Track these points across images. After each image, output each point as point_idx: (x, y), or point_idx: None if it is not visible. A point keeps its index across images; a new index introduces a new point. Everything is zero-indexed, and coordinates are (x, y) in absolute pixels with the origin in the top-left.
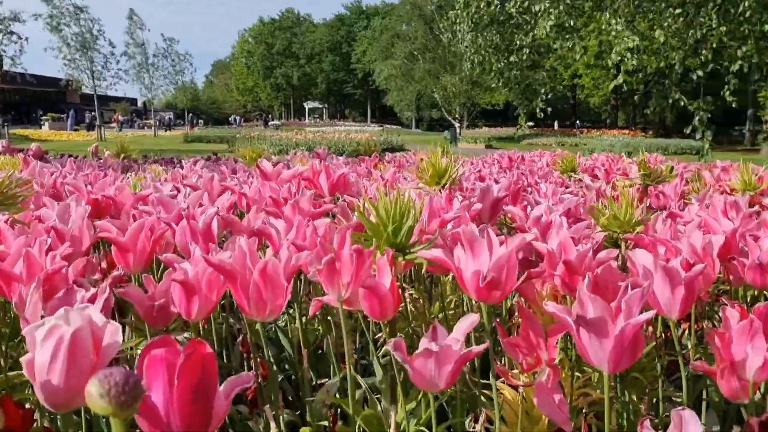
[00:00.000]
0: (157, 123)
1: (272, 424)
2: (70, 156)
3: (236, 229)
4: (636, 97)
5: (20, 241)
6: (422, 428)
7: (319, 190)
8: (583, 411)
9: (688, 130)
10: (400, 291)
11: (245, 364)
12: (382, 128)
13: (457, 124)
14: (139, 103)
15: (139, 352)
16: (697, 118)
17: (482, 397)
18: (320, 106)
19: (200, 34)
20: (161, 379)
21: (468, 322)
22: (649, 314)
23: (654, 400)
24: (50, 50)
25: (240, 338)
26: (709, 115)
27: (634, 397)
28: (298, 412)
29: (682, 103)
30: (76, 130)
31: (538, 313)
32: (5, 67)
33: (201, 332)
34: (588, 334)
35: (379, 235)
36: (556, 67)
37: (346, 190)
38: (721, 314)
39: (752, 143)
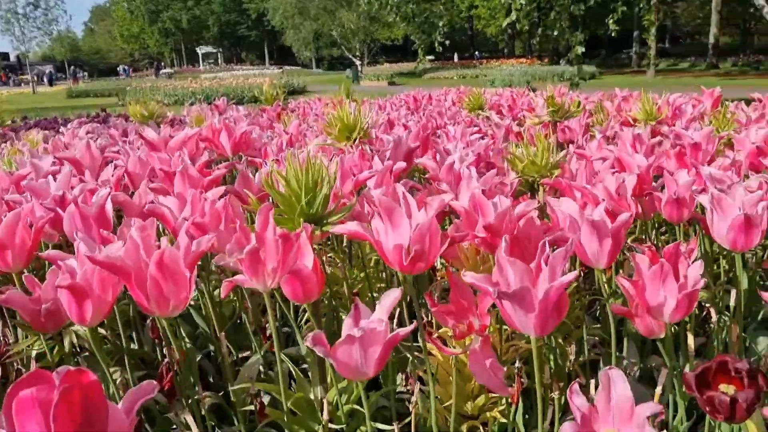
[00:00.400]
0: (36, 78)
1: (193, 427)
2: None
3: (128, 210)
4: (527, 28)
5: None
6: (355, 406)
7: (221, 150)
8: (515, 365)
9: (564, 62)
10: (323, 270)
11: (157, 348)
12: (282, 70)
13: (358, 62)
14: (12, 57)
15: (33, 353)
16: (571, 51)
17: (414, 360)
18: (214, 50)
19: None
20: (36, 423)
21: (391, 298)
22: (572, 275)
23: (578, 339)
24: None
25: (149, 322)
26: (583, 49)
27: (561, 341)
28: (221, 393)
29: (566, 36)
30: None
31: (462, 270)
32: None
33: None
34: (511, 304)
35: (293, 208)
36: None
37: (249, 147)
38: (631, 259)
39: (638, 65)
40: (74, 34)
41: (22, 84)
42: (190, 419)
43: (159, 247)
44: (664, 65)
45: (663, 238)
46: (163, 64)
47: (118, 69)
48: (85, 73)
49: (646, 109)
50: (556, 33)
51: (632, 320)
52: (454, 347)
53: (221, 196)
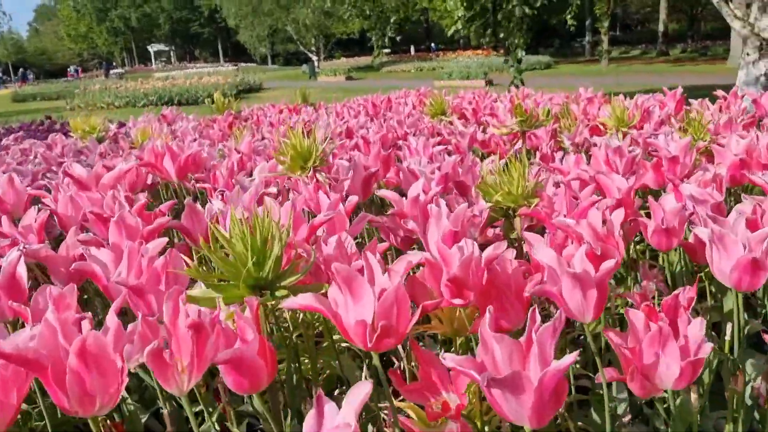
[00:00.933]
0: None
1: None
2: None
3: (52, 267)
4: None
5: None
6: None
7: (165, 176)
8: None
9: (506, 61)
10: (275, 352)
11: None
12: (237, 67)
13: (314, 57)
14: None
15: None
16: (511, 55)
17: None
18: (166, 48)
19: None
20: None
21: (360, 395)
22: (571, 357)
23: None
24: None
25: None
26: (524, 53)
27: None
28: None
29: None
30: None
31: (436, 316)
32: None
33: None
34: (502, 393)
35: (237, 276)
36: None
37: (197, 169)
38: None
39: (592, 54)
40: (18, 35)
41: None
42: None
43: (81, 321)
44: (617, 53)
45: (638, 247)
46: (114, 63)
47: (68, 69)
48: (32, 75)
49: (617, 115)
50: (502, 35)
51: (627, 382)
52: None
53: (161, 252)
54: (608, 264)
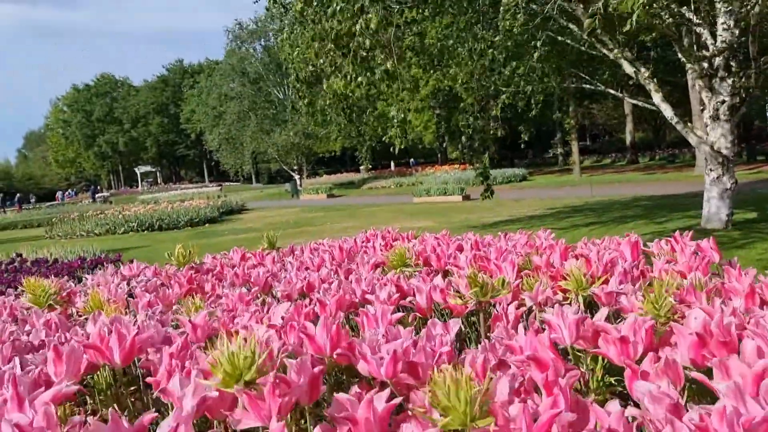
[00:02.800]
0: None
1: None
2: None
3: None
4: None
5: None
6: None
7: (111, 361)
8: None
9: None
10: None
11: None
12: (220, 187)
13: (296, 176)
14: None
15: None
16: (476, 173)
17: None
18: (153, 169)
19: (8, 103)
20: None
21: None
22: None
23: None
24: None
25: None
26: (488, 174)
27: None
28: None
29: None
30: None
31: None
32: None
33: None
34: None
35: None
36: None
37: (143, 351)
38: None
39: (565, 163)
40: (8, 162)
41: None
42: None
43: None
44: (589, 162)
45: None
46: (99, 187)
47: (57, 195)
48: (24, 200)
49: (576, 278)
50: (465, 150)
51: None
52: None
53: None
54: None
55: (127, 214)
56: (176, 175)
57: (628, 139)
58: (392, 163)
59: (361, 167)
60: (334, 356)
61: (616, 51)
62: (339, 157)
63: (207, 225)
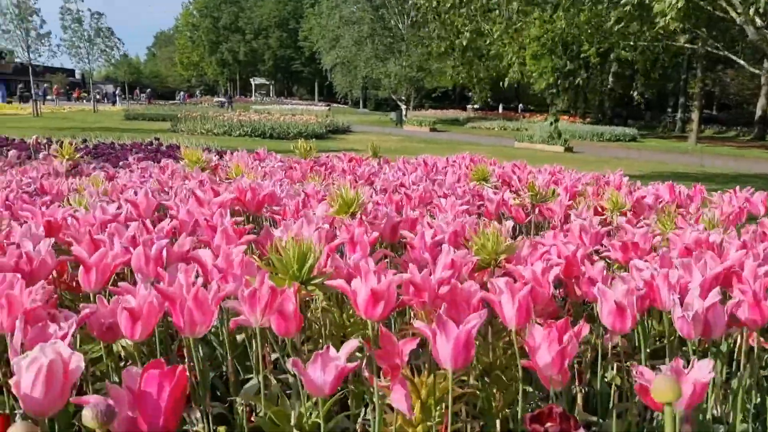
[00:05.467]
0: (99, 97)
1: (198, 424)
2: (6, 145)
3: (170, 255)
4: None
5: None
6: (317, 419)
7: (248, 207)
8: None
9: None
10: (301, 316)
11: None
12: (329, 107)
13: (403, 106)
14: (77, 75)
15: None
16: (551, 122)
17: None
18: (267, 82)
19: (142, 3)
20: (155, 386)
21: (349, 346)
22: (473, 323)
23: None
24: None
25: (176, 344)
26: (557, 123)
27: (494, 390)
28: (226, 405)
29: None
30: (9, 102)
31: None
32: None
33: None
34: (440, 337)
35: (286, 273)
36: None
37: (272, 203)
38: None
39: (683, 130)
40: (138, 58)
41: (84, 101)
42: (197, 415)
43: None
44: (710, 132)
45: None
46: (230, 94)
47: (179, 94)
48: (144, 94)
49: (614, 200)
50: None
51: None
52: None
53: (245, 250)
54: (524, 290)
55: (243, 119)
56: (288, 91)
57: (758, 113)
58: (500, 106)
59: (468, 106)
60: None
61: (742, 15)
62: (447, 93)
63: (314, 140)
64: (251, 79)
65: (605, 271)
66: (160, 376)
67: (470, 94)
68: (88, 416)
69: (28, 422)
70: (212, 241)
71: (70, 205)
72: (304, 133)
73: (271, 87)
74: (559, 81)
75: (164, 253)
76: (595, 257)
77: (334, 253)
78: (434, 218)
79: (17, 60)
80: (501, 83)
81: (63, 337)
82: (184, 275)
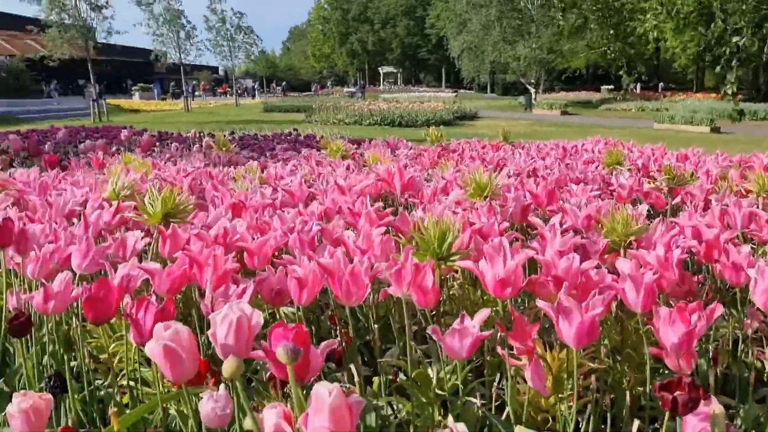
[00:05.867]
0: (239, 91)
1: (355, 376)
2: (167, 139)
3: (325, 235)
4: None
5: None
6: (457, 382)
7: (393, 189)
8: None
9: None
10: (439, 289)
11: (332, 332)
12: (456, 94)
13: (532, 90)
14: (220, 71)
15: None
16: (728, 88)
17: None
18: (395, 71)
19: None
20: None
21: (482, 315)
22: (598, 310)
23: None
24: (139, 25)
25: (328, 313)
26: (734, 94)
27: (626, 367)
28: (371, 369)
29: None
30: (163, 99)
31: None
32: (100, 39)
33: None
34: (563, 321)
35: (427, 249)
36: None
37: (412, 188)
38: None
39: None
40: (273, 54)
41: (226, 95)
42: (355, 375)
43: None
44: None
45: None
46: (362, 84)
47: (311, 86)
48: (278, 87)
49: (759, 183)
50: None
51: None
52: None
53: (385, 232)
54: (648, 276)
55: (373, 108)
56: (415, 78)
57: None
58: (638, 86)
59: (603, 87)
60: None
61: None
62: (579, 75)
63: (441, 126)
64: (379, 68)
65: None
66: (284, 332)
67: (619, 74)
68: (281, 353)
69: (238, 357)
70: (357, 224)
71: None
72: (432, 120)
73: (398, 75)
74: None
75: (315, 237)
76: (738, 241)
77: (474, 234)
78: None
79: (170, 60)
80: (639, 62)
81: (241, 295)
82: (340, 253)
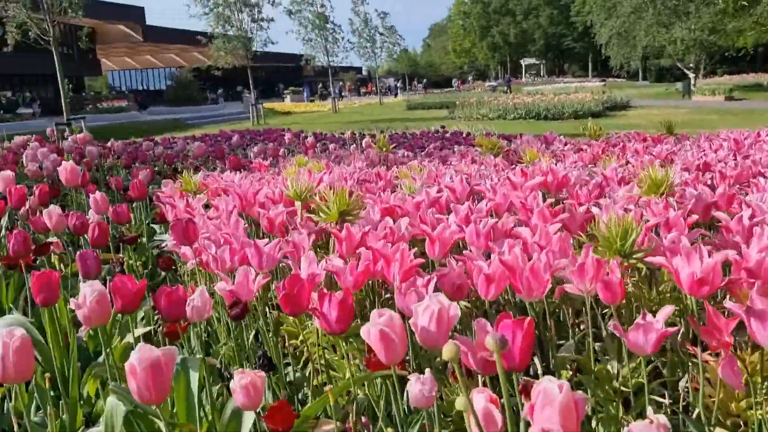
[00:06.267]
0: (383, 90)
1: (538, 368)
2: (323, 139)
3: (495, 232)
4: None
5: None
6: (641, 380)
7: (549, 188)
8: None
9: None
10: (624, 286)
11: None
12: (604, 83)
13: (691, 75)
14: (363, 71)
15: None
16: None
17: (689, 363)
18: (537, 62)
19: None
20: (509, 332)
21: (666, 311)
22: None
23: None
24: (291, 32)
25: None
26: None
27: None
28: (544, 364)
29: None
30: (311, 101)
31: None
32: (257, 48)
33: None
34: (755, 322)
35: (610, 247)
36: None
37: (567, 185)
38: None
39: None
40: (415, 52)
41: (369, 95)
42: (538, 365)
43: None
44: None
45: None
46: (508, 77)
47: (453, 82)
48: (419, 84)
49: None
50: None
51: None
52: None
53: (556, 231)
54: None
55: (517, 102)
56: (559, 69)
57: None
58: None
59: None
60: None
61: None
62: (744, 55)
63: (590, 118)
64: (521, 60)
65: None
66: (513, 324)
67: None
68: (490, 342)
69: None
70: (528, 220)
71: (401, 190)
72: (580, 111)
73: (541, 66)
74: None
75: (490, 232)
76: None
77: (650, 231)
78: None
79: (318, 63)
80: None
81: (426, 286)
82: (518, 250)
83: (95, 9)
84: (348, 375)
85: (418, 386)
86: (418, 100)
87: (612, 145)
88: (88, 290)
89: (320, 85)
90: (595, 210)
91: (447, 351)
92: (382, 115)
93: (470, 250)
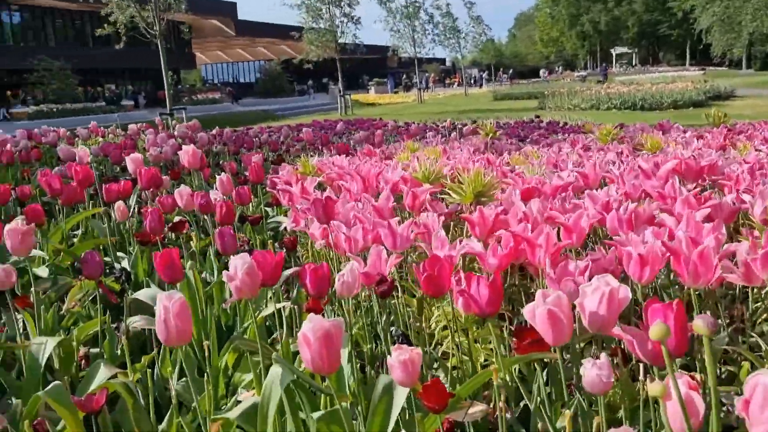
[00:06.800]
0: (468, 81)
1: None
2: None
3: (639, 219)
4: None
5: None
6: None
7: (685, 175)
8: None
9: None
10: None
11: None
12: (704, 71)
13: None
14: (447, 62)
15: None
16: None
17: None
18: (629, 51)
19: None
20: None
21: None
22: None
23: None
24: (379, 22)
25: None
26: None
27: None
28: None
29: None
30: (395, 92)
31: None
32: (347, 41)
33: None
34: None
35: None
36: None
37: (714, 173)
38: None
39: None
40: (499, 42)
41: (454, 86)
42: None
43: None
44: None
45: None
46: (605, 65)
47: (540, 72)
48: (504, 75)
49: None
50: None
51: None
52: None
53: (705, 219)
54: None
55: (611, 92)
56: (653, 57)
57: None
58: None
59: None
60: None
61: None
62: None
63: (691, 108)
64: (611, 49)
65: None
66: (663, 308)
67: None
68: (701, 325)
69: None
70: (671, 208)
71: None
72: (680, 101)
73: (633, 55)
74: None
75: (625, 218)
76: None
77: None
78: None
79: (404, 54)
80: None
81: (583, 272)
82: (662, 237)
83: (191, 4)
84: (481, 359)
85: (595, 371)
86: (505, 90)
87: (737, 132)
88: (239, 262)
89: (404, 77)
90: (747, 197)
91: (656, 331)
92: (469, 106)
93: (610, 238)
